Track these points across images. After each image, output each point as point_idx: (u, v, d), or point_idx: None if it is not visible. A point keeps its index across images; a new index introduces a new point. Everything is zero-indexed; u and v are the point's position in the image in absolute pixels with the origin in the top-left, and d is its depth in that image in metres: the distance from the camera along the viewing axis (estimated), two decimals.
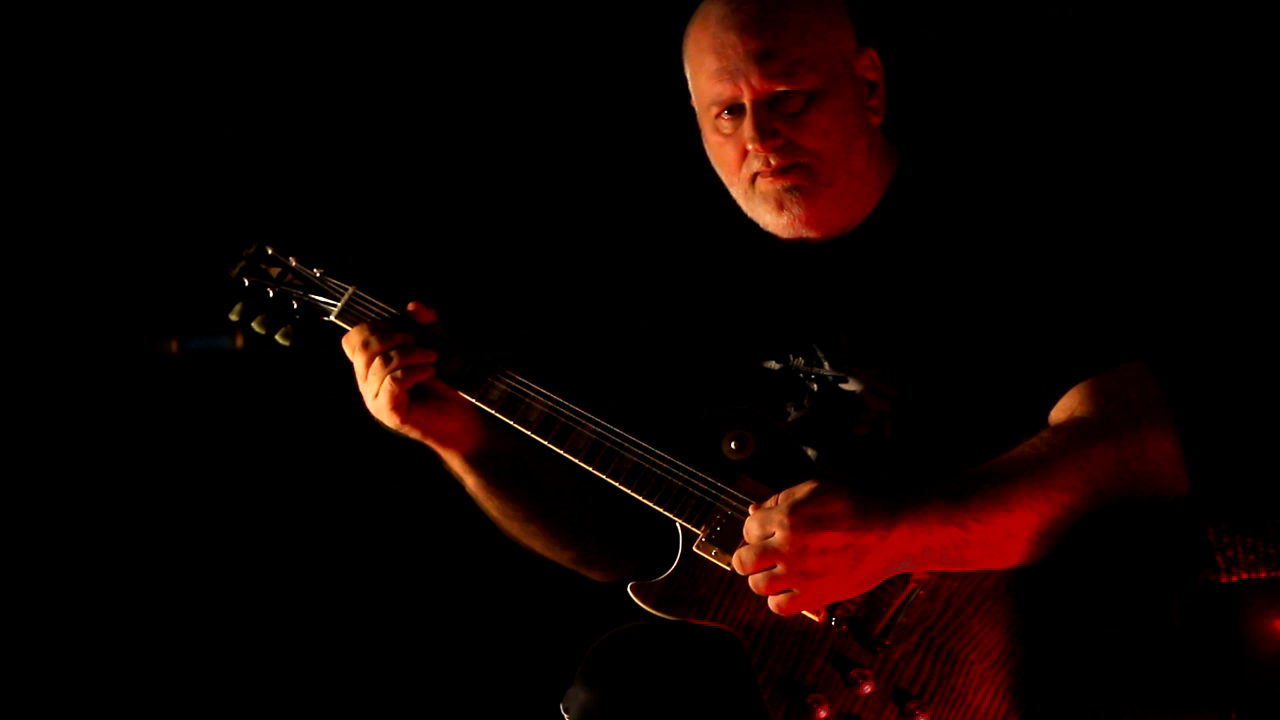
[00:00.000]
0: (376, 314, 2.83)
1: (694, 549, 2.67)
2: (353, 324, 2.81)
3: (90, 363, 3.67)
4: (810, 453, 2.74)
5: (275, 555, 3.75)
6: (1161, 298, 3.32)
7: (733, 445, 2.72)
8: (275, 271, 2.90)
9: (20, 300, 3.66)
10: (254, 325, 2.89)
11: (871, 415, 2.79)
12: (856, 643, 2.59)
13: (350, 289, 2.85)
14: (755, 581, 2.56)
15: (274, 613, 3.76)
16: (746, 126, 2.74)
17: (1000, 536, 2.55)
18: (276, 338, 2.89)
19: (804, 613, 2.58)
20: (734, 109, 2.76)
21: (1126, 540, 2.56)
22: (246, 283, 2.90)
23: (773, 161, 2.74)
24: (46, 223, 3.67)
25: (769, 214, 2.79)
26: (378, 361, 2.75)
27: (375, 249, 3.56)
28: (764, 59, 2.72)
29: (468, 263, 3.68)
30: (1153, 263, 3.35)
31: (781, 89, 2.73)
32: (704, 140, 2.84)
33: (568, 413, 2.76)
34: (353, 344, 2.78)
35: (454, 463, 2.86)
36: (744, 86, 2.73)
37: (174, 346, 3.15)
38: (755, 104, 2.73)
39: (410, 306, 2.82)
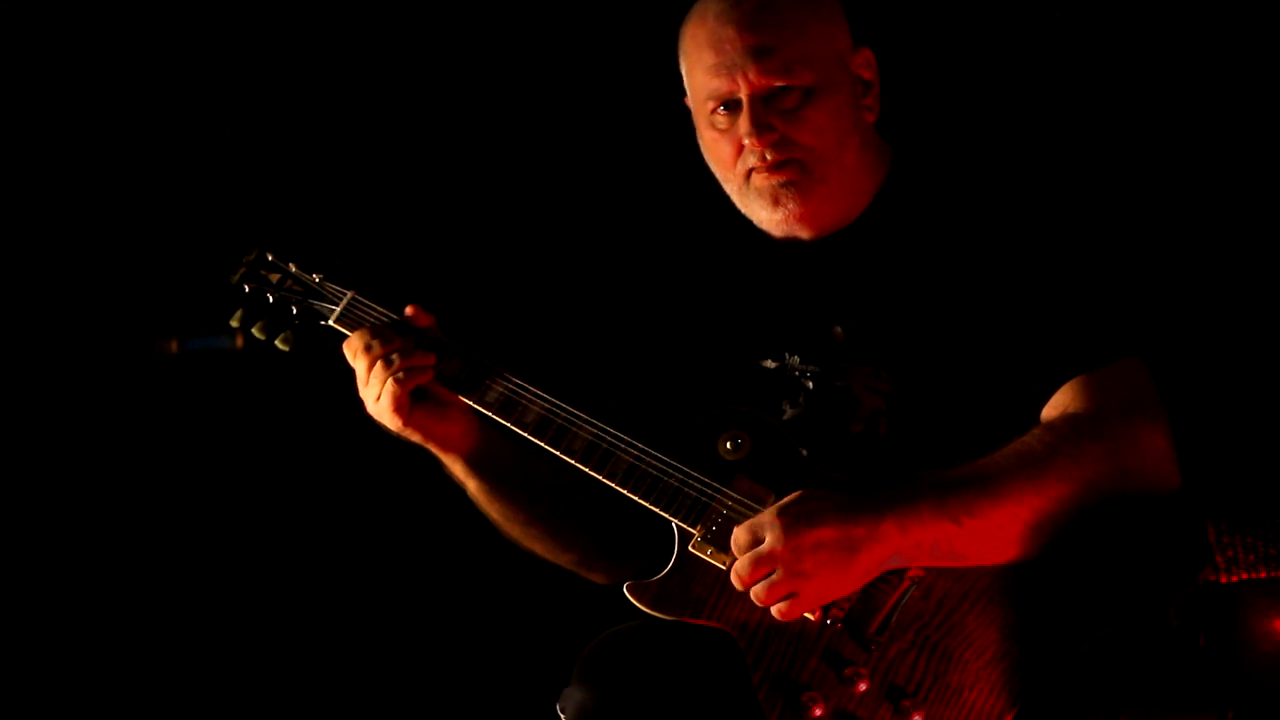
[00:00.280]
0: (376, 318, 2.84)
1: (690, 549, 2.67)
2: (352, 329, 2.83)
3: (90, 363, 3.67)
4: (805, 452, 2.73)
5: (275, 555, 3.75)
6: (1159, 296, 3.31)
7: (729, 445, 2.72)
8: (275, 277, 2.92)
9: (20, 300, 3.66)
10: (254, 331, 2.91)
11: (867, 412, 2.79)
12: (852, 641, 2.59)
13: (349, 294, 2.87)
14: (756, 592, 2.56)
15: (273, 613, 3.75)
16: (743, 121, 2.75)
17: (993, 530, 2.55)
18: (276, 343, 2.91)
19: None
20: (730, 104, 2.77)
21: (1125, 539, 2.56)
22: (247, 289, 2.92)
23: (768, 156, 2.75)
24: (47, 223, 3.67)
25: (764, 209, 2.80)
26: (380, 365, 2.76)
27: (373, 253, 3.56)
28: (761, 55, 2.73)
29: (463, 266, 3.68)
30: (1149, 260, 3.34)
31: (779, 84, 2.74)
32: (699, 137, 2.85)
33: (564, 414, 2.77)
34: (354, 348, 2.79)
35: (455, 468, 2.87)
36: (741, 81, 2.74)
37: (174, 346, 3.16)
38: (752, 99, 2.74)
39: (408, 310, 2.83)
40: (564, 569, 2.98)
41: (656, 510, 2.70)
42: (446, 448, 2.84)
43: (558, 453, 2.76)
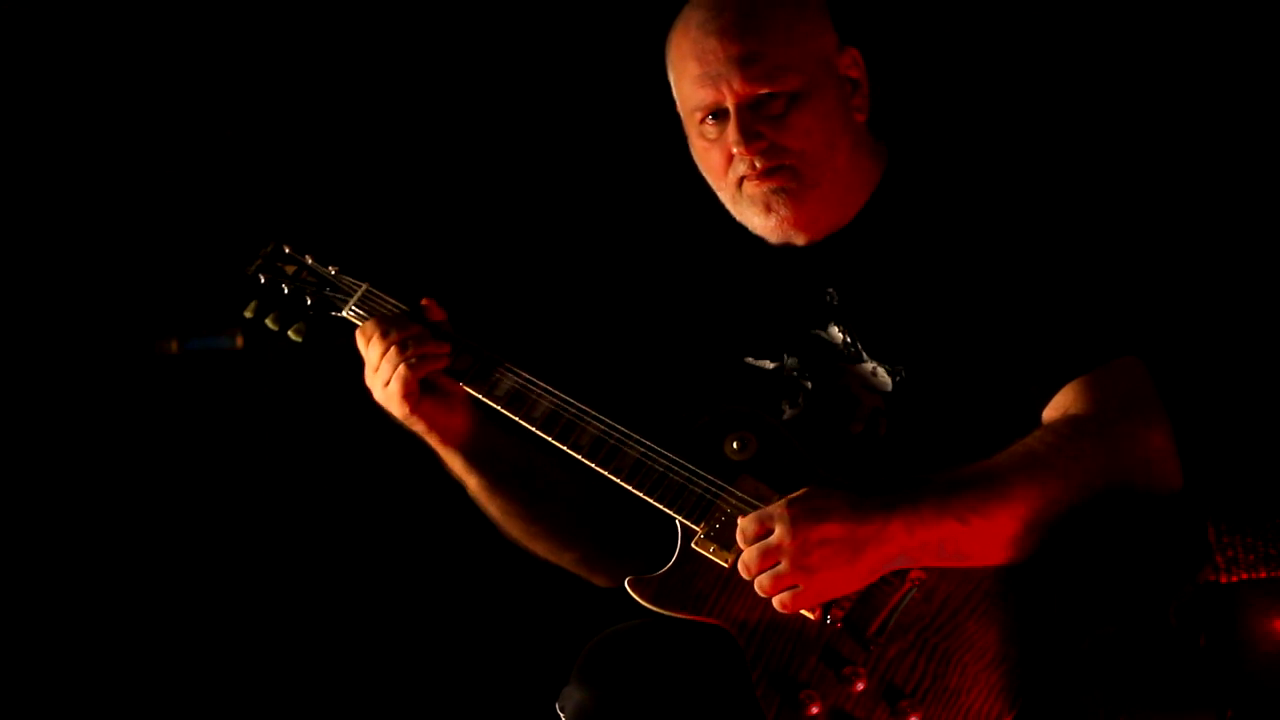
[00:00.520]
0: (389, 310, 2.87)
1: (692, 545, 2.68)
2: (365, 319, 2.85)
3: (90, 363, 3.67)
4: (810, 454, 2.74)
5: (275, 555, 3.75)
6: (1158, 296, 3.30)
7: (734, 445, 2.74)
8: (291, 269, 2.95)
9: (20, 300, 3.65)
10: (267, 322, 2.94)
11: (866, 412, 2.81)
12: (851, 641, 2.59)
13: (364, 285, 2.91)
14: (760, 582, 2.57)
15: (274, 612, 3.75)
16: (731, 130, 2.75)
17: (997, 530, 2.56)
18: (289, 333, 2.93)
19: (801, 611, 2.59)
20: (718, 114, 2.77)
21: (1125, 539, 2.56)
22: (262, 279, 2.95)
23: (758, 164, 2.76)
24: (47, 223, 3.66)
25: (757, 217, 2.81)
26: (393, 350, 2.79)
27: (382, 248, 3.57)
28: (745, 63, 2.73)
29: (471, 262, 3.68)
30: (1147, 259, 3.33)
31: (764, 91, 2.74)
32: (690, 145, 2.86)
33: (572, 410, 2.79)
34: (368, 334, 2.82)
35: (455, 463, 2.89)
36: (726, 91, 2.75)
37: (174, 346, 3.17)
38: (738, 108, 2.75)
39: (424, 302, 2.86)
40: (562, 569, 2.98)
41: (661, 506, 2.72)
42: (448, 440, 2.86)
43: (565, 447, 2.78)
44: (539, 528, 2.93)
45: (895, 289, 2.80)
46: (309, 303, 2.93)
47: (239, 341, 3.08)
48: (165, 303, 3.53)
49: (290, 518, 3.75)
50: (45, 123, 3.67)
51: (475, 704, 3.74)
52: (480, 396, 2.83)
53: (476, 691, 3.74)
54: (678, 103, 2.85)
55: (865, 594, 2.60)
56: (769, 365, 2.89)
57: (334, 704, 3.76)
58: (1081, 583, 2.55)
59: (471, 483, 2.90)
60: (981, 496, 2.56)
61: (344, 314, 2.90)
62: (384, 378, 2.80)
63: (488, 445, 2.87)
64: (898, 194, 2.85)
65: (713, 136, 2.79)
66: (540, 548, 2.95)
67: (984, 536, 2.56)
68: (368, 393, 2.84)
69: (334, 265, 2.93)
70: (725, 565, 2.65)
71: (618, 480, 2.75)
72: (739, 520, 2.61)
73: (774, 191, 2.78)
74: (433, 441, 2.86)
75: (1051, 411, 2.67)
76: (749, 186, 2.79)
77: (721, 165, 2.80)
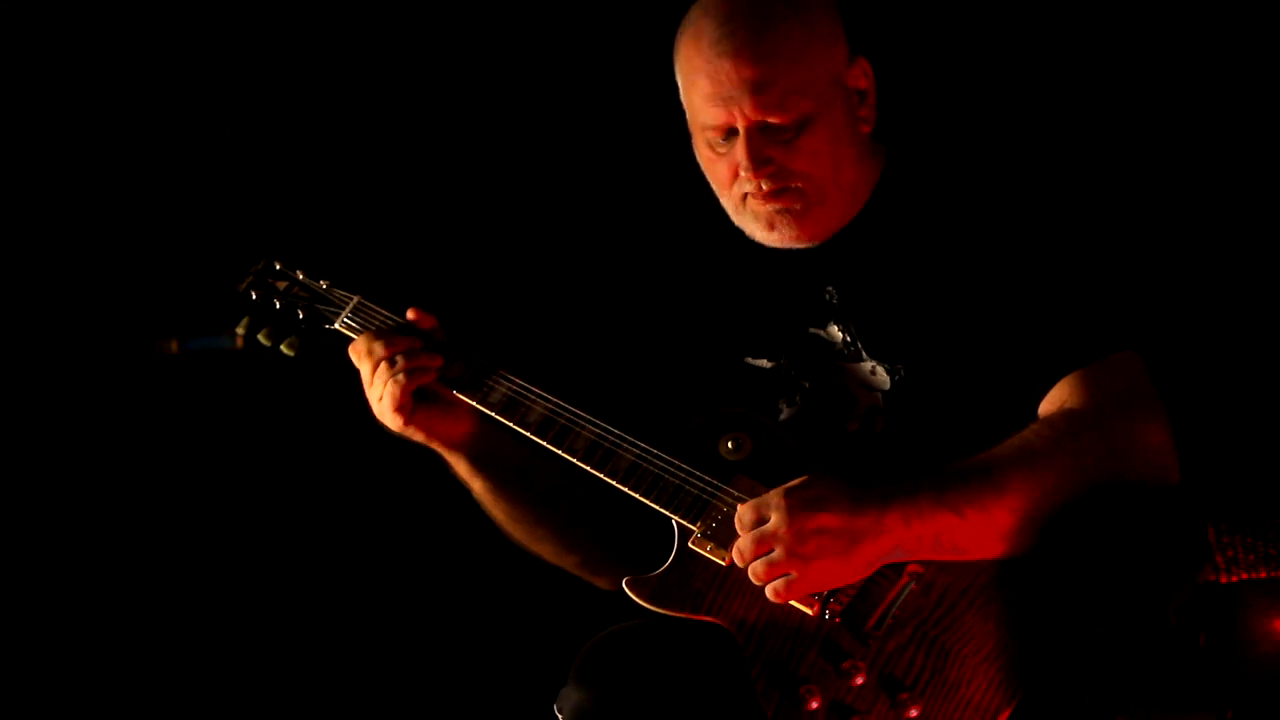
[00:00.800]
0: (381, 321, 2.89)
1: (689, 545, 2.68)
2: (357, 332, 2.88)
3: (90, 363, 3.67)
4: (805, 454, 2.74)
5: (275, 556, 3.75)
6: (1157, 293, 3.29)
7: (729, 446, 2.75)
8: (282, 285, 2.98)
9: (20, 300, 3.65)
10: (260, 338, 2.96)
11: (863, 410, 2.81)
12: (849, 635, 2.59)
13: (355, 298, 2.92)
14: (755, 569, 2.57)
15: (274, 613, 3.75)
16: (740, 153, 2.75)
17: (991, 523, 2.56)
18: (282, 348, 2.96)
19: (798, 605, 2.59)
20: (727, 133, 2.77)
21: (1125, 538, 2.56)
22: (254, 296, 2.98)
23: (765, 186, 2.76)
24: (47, 223, 3.67)
25: (760, 231, 2.81)
26: (383, 366, 2.80)
27: (373, 254, 3.58)
28: (758, 89, 2.72)
29: (464, 268, 3.69)
30: (1145, 256, 3.32)
31: (774, 120, 2.73)
32: (695, 149, 2.85)
33: (566, 415, 2.80)
34: (359, 350, 2.84)
35: (460, 467, 2.90)
36: (738, 114, 2.73)
37: (174, 346, 3.17)
38: (749, 131, 2.74)
39: (410, 313, 2.88)
40: (563, 572, 2.99)
41: (657, 507, 2.72)
42: (450, 447, 2.87)
43: (560, 452, 2.79)
44: (542, 530, 2.93)
45: (895, 287, 2.81)
46: (300, 317, 2.95)
47: (239, 341, 3.08)
48: (165, 303, 3.53)
49: (290, 518, 3.75)
50: (45, 123, 3.67)
51: (474, 705, 3.74)
52: (474, 404, 2.84)
53: (475, 693, 3.74)
54: (686, 109, 2.84)
55: (863, 588, 2.60)
56: (767, 364, 2.89)
57: (333, 704, 3.75)
58: (1081, 582, 2.54)
59: (476, 486, 2.91)
60: (977, 489, 2.56)
61: (336, 326, 2.92)
62: (377, 394, 2.82)
63: (490, 449, 2.88)
64: (896, 193, 2.85)
65: (721, 151, 2.79)
66: (544, 550, 2.96)
67: (980, 529, 2.56)
68: (367, 405, 2.86)
69: (325, 279, 2.95)
70: (723, 563, 2.65)
71: (613, 483, 2.75)
72: (738, 506, 2.61)
73: (779, 212, 2.78)
74: (435, 447, 2.87)
75: (1048, 405, 2.67)
76: (754, 204, 2.79)
77: (727, 178, 2.80)
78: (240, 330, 2.96)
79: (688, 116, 2.84)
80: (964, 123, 3.51)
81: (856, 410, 2.81)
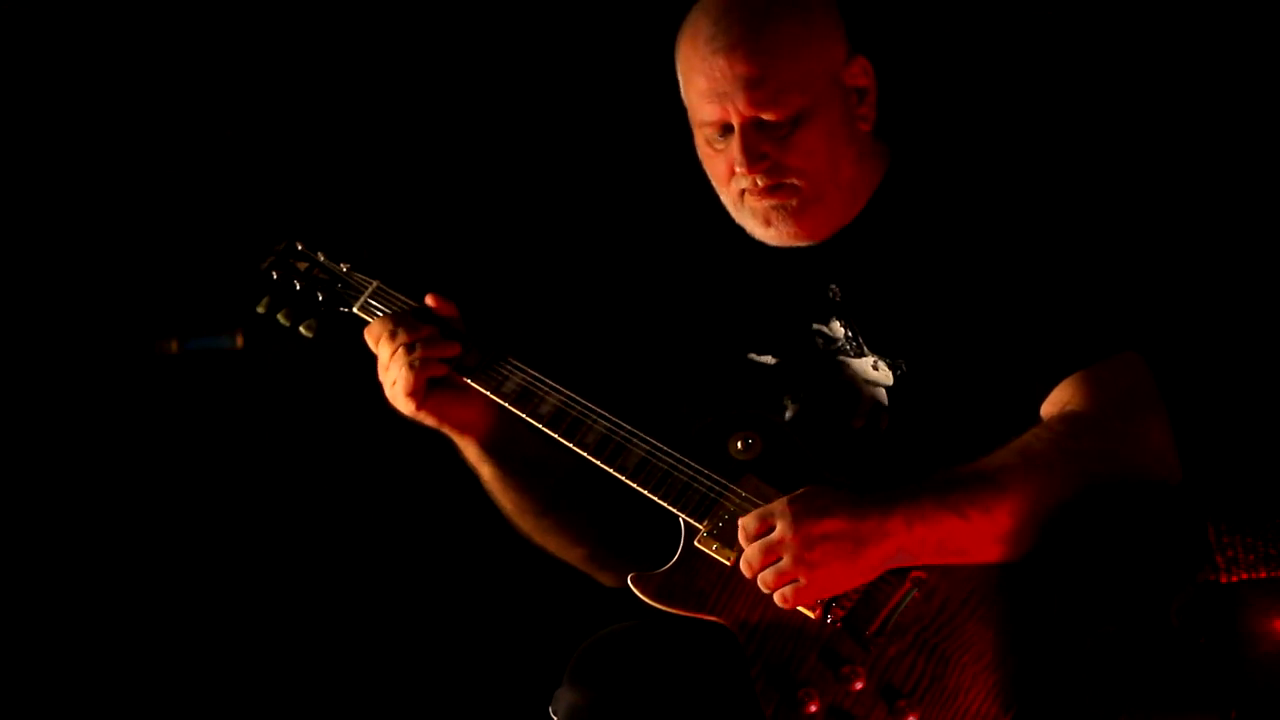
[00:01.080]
0: (399, 307, 2.90)
1: (695, 543, 2.69)
2: (375, 316, 2.88)
3: (90, 363, 3.66)
4: (814, 456, 2.75)
5: (275, 555, 3.74)
6: (1158, 293, 3.29)
7: (739, 446, 2.75)
8: (303, 266, 2.98)
9: (20, 300, 3.64)
10: (279, 317, 2.97)
11: (867, 407, 2.82)
12: (850, 640, 2.61)
13: (375, 283, 2.93)
14: (764, 578, 2.58)
15: (273, 612, 3.75)
16: (735, 149, 2.76)
17: (995, 525, 2.57)
18: (301, 329, 2.96)
19: (801, 609, 2.61)
20: (724, 129, 2.78)
21: (1125, 538, 2.56)
22: (275, 275, 2.98)
23: (760, 182, 2.77)
24: (47, 223, 3.65)
25: (757, 228, 2.82)
26: (401, 351, 2.81)
27: (388, 247, 3.57)
28: (751, 85, 2.73)
29: (477, 260, 3.69)
30: (1147, 256, 3.31)
31: (768, 116, 2.74)
32: (695, 145, 2.86)
33: (579, 408, 2.81)
34: (376, 334, 2.85)
35: (470, 451, 2.90)
36: (732, 110, 2.75)
37: (174, 346, 3.18)
38: (743, 127, 2.75)
39: (429, 299, 2.88)
40: (564, 570, 2.99)
41: (664, 504, 2.73)
42: (463, 432, 2.88)
43: (570, 444, 2.79)
44: (549, 521, 2.94)
45: (897, 284, 2.81)
46: (320, 299, 2.96)
47: (239, 341, 3.10)
48: (165, 303, 3.54)
49: (290, 518, 3.75)
50: (46, 122, 3.65)
51: (470, 705, 3.73)
52: (487, 393, 2.84)
53: (471, 693, 3.73)
54: (685, 104, 2.85)
55: (866, 593, 2.61)
56: (771, 361, 2.91)
57: (332, 704, 3.75)
58: (1082, 582, 2.55)
59: (485, 472, 2.91)
60: (980, 492, 2.57)
61: (354, 310, 2.93)
62: (391, 378, 2.82)
63: (503, 437, 2.89)
64: (900, 192, 2.86)
65: (719, 147, 2.80)
66: (550, 543, 2.96)
67: (983, 532, 2.57)
68: (380, 389, 2.86)
69: (346, 262, 2.96)
70: (727, 564, 2.66)
71: (622, 478, 2.76)
72: (740, 519, 2.63)
73: (774, 208, 2.79)
74: (446, 431, 2.88)
75: (1050, 406, 2.68)
76: (750, 200, 2.80)
77: (725, 174, 2.81)
78: (260, 309, 2.96)
79: (688, 114, 2.85)
80: (967, 123, 3.50)
81: (861, 407, 2.82)
